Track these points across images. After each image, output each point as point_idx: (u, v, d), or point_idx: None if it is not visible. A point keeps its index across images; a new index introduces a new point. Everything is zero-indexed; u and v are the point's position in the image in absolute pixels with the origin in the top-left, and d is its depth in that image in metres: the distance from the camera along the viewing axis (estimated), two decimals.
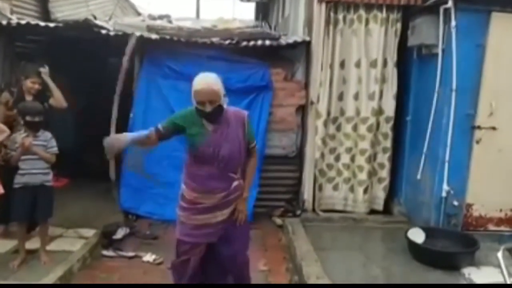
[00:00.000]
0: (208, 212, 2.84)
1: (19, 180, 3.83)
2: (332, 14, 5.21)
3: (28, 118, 3.80)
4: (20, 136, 3.82)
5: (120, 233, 4.75)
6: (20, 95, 4.34)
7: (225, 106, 2.77)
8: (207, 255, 2.97)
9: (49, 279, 3.51)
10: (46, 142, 3.90)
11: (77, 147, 7.17)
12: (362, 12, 5.18)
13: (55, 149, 3.95)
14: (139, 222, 5.21)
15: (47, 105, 4.40)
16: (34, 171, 3.83)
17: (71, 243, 4.38)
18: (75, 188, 6.23)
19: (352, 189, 5.52)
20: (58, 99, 4.52)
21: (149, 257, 4.27)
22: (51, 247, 4.22)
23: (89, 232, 4.63)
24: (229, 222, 2.92)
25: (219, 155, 2.76)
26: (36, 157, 3.81)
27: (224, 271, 3.06)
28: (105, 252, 4.35)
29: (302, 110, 5.62)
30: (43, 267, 3.81)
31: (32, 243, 4.11)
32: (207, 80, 2.70)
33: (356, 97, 5.35)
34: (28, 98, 4.30)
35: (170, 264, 3.18)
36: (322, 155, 5.44)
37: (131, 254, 4.34)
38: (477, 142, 4.60)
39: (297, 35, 5.87)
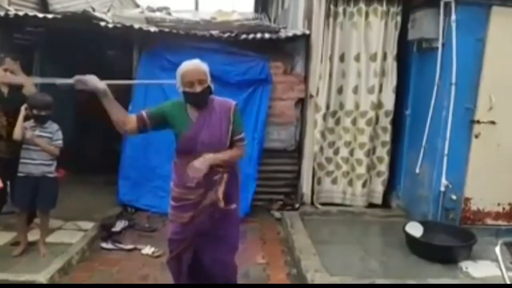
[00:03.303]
0: (194, 208, 2.76)
1: (22, 169, 3.87)
2: (332, 7, 5.19)
3: (35, 111, 3.84)
4: (29, 126, 3.88)
5: (119, 226, 4.77)
6: None
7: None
8: (194, 258, 2.88)
9: (48, 272, 3.52)
10: (52, 134, 3.92)
11: (76, 139, 7.16)
12: (362, 5, 5.16)
13: (59, 142, 3.97)
14: (137, 215, 5.22)
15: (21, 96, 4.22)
16: (37, 162, 3.86)
17: (70, 235, 4.40)
18: (73, 180, 6.19)
19: (350, 182, 5.53)
20: (28, 87, 4.32)
21: (148, 249, 4.27)
22: (50, 239, 4.23)
23: (88, 225, 4.64)
24: (214, 220, 2.77)
25: (198, 142, 2.67)
26: (39, 148, 3.84)
27: (210, 275, 2.95)
28: (104, 245, 4.36)
29: (301, 103, 5.62)
30: (42, 259, 3.82)
31: (31, 235, 4.12)
32: (193, 62, 2.70)
33: (356, 90, 5.35)
34: (4, 89, 4.17)
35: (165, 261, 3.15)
36: (321, 149, 5.44)
37: (130, 246, 4.35)
38: (476, 136, 4.60)
39: (297, 28, 5.84)
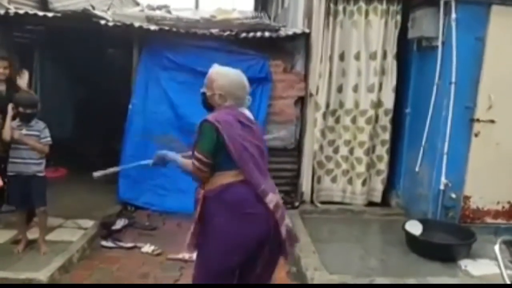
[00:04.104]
0: None
1: (11, 169, 3.86)
2: (332, 6, 5.20)
3: (20, 109, 3.83)
4: (15, 125, 3.86)
5: (119, 224, 4.77)
6: None
7: (219, 107, 2.48)
8: None
9: (49, 270, 3.52)
10: (39, 132, 3.90)
11: (76, 138, 7.18)
12: (362, 3, 5.16)
13: (48, 139, 3.94)
14: (137, 213, 5.23)
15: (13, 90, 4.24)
16: (26, 161, 3.84)
17: (70, 233, 4.40)
18: (74, 178, 6.23)
19: (350, 181, 5.54)
20: (24, 79, 4.41)
21: (148, 248, 4.28)
22: (50, 237, 4.24)
23: (88, 223, 4.64)
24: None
25: None
26: (29, 147, 3.83)
27: None
28: (104, 243, 4.36)
29: (301, 102, 5.61)
30: (42, 258, 3.82)
31: (31, 234, 4.12)
32: (214, 67, 2.59)
33: (355, 89, 5.35)
34: (1, 87, 4.18)
35: None
36: (321, 147, 5.45)
37: (130, 244, 4.35)
38: (476, 135, 4.62)
39: (297, 26, 5.84)
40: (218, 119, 2.38)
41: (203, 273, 2.51)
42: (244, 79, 2.55)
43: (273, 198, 2.44)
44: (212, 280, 2.47)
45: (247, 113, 2.56)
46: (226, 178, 2.42)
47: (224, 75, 2.52)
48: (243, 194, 2.41)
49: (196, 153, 2.40)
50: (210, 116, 2.42)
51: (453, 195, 4.66)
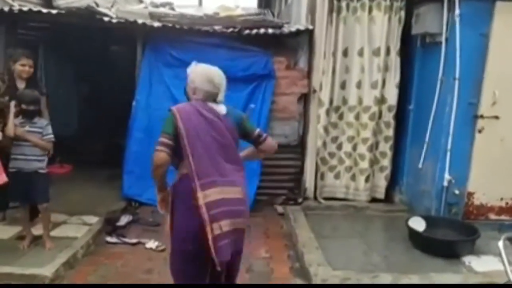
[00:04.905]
0: None
1: (12, 165, 3.87)
2: (335, 2, 5.19)
3: (23, 106, 3.85)
4: (18, 122, 3.88)
5: (123, 220, 4.80)
6: (11, 82, 4.22)
7: (192, 99, 2.71)
8: None
9: (53, 265, 3.55)
10: (42, 129, 3.92)
11: (80, 134, 7.21)
12: None
13: (51, 136, 3.97)
14: (141, 209, 5.25)
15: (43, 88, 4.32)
16: (29, 158, 3.86)
17: (75, 229, 4.43)
18: (78, 175, 6.27)
19: (353, 177, 5.54)
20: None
21: (152, 243, 4.31)
22: (55, 233, 4.27)
23: (93, 219, 4.67)
24: None
25: None
26: (31, 144, 3.85)
27: None
28: (108, 239, 4.39)
29: (305, 98, 5.61)
30: (47, 253, 3.85)
31: (36, 230, 4.15)
32: (192, 64, 2.77)
33: (359, 85, 5.34)
34: (21, 84, 4.21)
35: None
36: (324, 144, 5.45)
37: (134, 240, 4.38)
38: (480, 131, 4.60)
39: (300, 23, 5.83)
40: (179, 109, 2.58)
41: (172, 258, 2.75)
42: (213, 75, 2.67)
43: (211, 193, 2.48)
44: (181, 265, 2.67)
45: (216, 107, 2.66)
46: (184, 168, 2.59)
47: (194, 71, 2.71)
48: (191, 186, 2.51)
49: (159, 138, 2.54)
50: (174, 106, 2.63)
51: (457, 192, 4.66)
